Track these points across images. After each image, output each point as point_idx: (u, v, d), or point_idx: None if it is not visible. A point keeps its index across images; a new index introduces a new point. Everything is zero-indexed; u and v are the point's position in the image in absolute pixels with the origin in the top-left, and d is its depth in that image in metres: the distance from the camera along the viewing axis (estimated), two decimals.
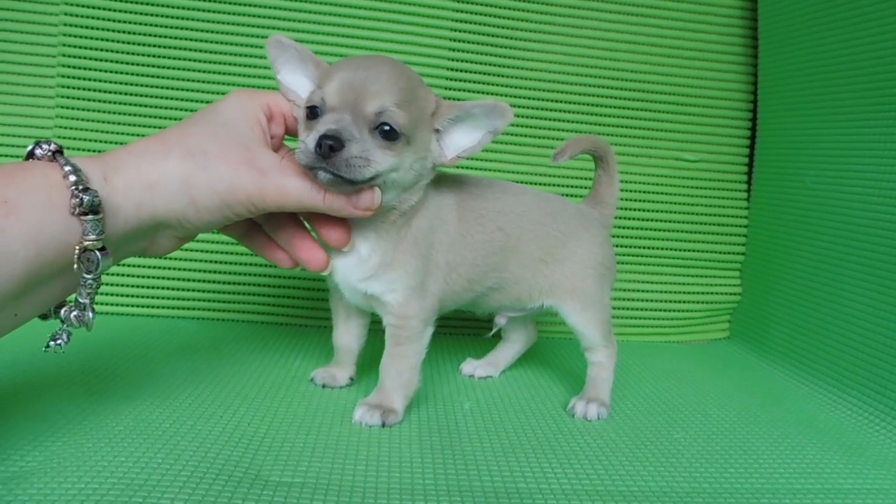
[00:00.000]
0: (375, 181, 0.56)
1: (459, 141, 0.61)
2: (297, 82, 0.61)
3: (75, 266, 0.48)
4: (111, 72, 0.97)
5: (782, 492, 0.57)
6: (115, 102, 0.97)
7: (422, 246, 0.63)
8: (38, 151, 0.49)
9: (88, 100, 0.97)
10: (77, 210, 0.46)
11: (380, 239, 0.61)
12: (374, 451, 0.57)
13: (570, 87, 1.07)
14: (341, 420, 0.64)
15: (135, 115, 0.98)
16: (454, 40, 1.04)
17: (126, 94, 0.97)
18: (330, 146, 0.52)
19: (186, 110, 0.98)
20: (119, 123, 0.98)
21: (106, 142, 0.98)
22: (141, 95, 0.98)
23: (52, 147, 0.49)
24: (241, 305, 1.00)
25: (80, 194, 0.46)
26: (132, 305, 0.97)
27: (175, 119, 0.98)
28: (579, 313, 0.72)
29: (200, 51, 0.98)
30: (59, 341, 0.52)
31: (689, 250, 1.12)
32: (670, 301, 1.11)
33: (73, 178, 0.46)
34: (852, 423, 0.76)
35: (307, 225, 0.63)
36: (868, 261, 0.83)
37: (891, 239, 0.79)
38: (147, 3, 0.97)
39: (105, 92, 0.97)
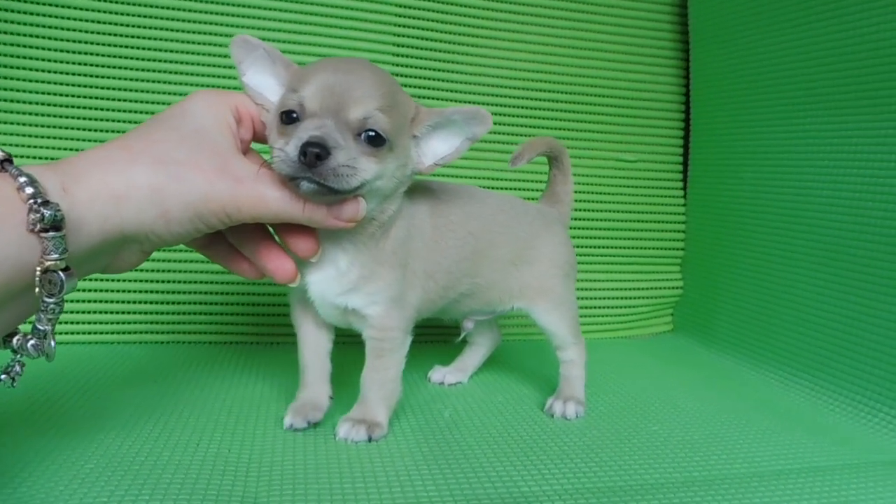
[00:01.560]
0: (361, 190, 0.53)
1: (437, 148, 0.59)
2: (265, 84, 0.57)
3: (37, 289, 0.43)
4: (41, 70, 0.90)
5: (767, 475, 0.59)
6: (53, 104, 0.91)
7: (400, 256, 0.60)
8: None
9: (22, 101, 0.90)
10: (38, 226, 0.41)
11: (359, 252, 0.58)
12: (367, 467, 0.55)
13: (511, 93, 1.08)
14: (325, 437, 0.61)
15: (75, 117, 0.92)
16: (398, 45, 1.03)
17: (64, 94, 0.91)
18: (316, 154, 0.48)
19: (134, 112, 0.93)
20: (57, 127, 0.91)
21: (48, 148, 0.91)
22: (82, 97, 0.92)
23: (0, 155, 0.44)
24: (186, 326, 0.95)
25: (40, 208, 0.41)
26: (69, 333, 0.90)
27: (122, 122, 0.93)
28: (550, 313, 0.72)
29: (146, 48, 0.94)
30: (10, 374, 0.47)
31: (630, 248, 1.15)
32: (615, 297, 1.14)
33: (29, 189, 0.41)
34: (808, 404, 0.80)
35: (272, 234, 0.60)
36: (814, 249, 0.87)
37: (835, 227, 0.84)
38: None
39: (43, 93, 0.90)
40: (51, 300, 0.43)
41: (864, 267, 0.80)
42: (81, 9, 0.91)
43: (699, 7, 1.11)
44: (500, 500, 0.51)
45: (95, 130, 0.92)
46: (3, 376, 0.46)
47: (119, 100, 0.93)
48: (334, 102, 0.52)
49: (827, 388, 0.82)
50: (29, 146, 0.90)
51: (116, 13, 0.92)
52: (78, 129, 0.92)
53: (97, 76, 0.92)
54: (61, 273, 0.42)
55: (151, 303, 0.94)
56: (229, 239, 0.57)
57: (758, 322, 0.97)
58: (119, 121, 0.93)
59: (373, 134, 0.52)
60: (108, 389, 0.71)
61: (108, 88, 0.93)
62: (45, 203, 0.41)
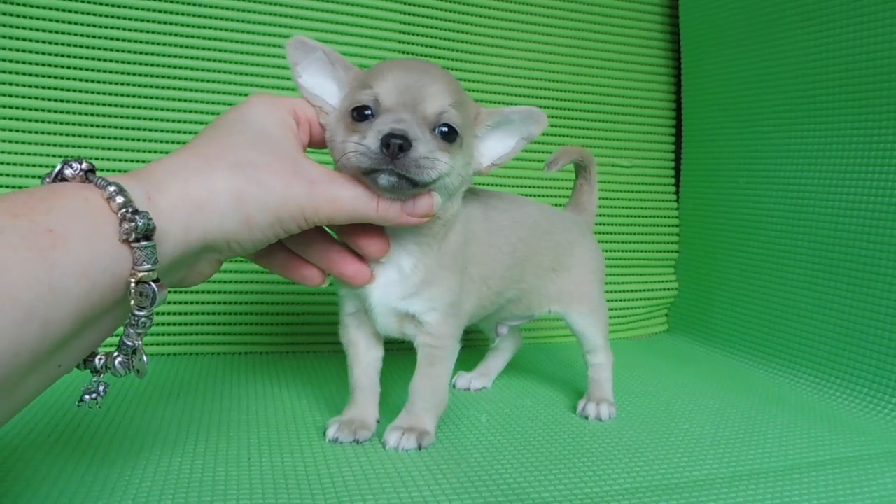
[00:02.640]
0: (435, 185, 0.53)
1: (494, 148, 0.59)
2: (323, 87, 0.56)
3: (132, 301, 0.41)
4: (95, 71, 0.89)
5: (805, 467, 0.61)
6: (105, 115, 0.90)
7: (460, 261, 0.61)
8: (67, 171, 0.42)
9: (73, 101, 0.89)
10: (132, 236, 0.40)
11: (423, 254, 0.58)
12: (423, 474, 0.55)
13: (510, 100, 1.10)
14: (372, 447, 0.61)
15: (129, 128, 0.91)
16: (402, 52, 1.03)
17: (118, 98, 0.91)
18: (399, 145, 0.48)
19: (182, 121, 0.93)
20: (110, 138, 0.91)
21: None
22: (136, 107, 0.92)
23: (84, 166, 0.42)
24: (214, 338, 0.95)
25: (134, 218, 0.40)
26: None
27: (172, 131, 0.93)
28: (586, 317, 0.74)
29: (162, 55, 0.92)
30: (93, 395, 0.45)
31: (626, 251, 1.18)
32: (613, 300, 1.16)
33: (120, 199, 0.40)
34: (817, 397, 0.84)
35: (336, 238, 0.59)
36: (808, 248, 0.91)
37: (829, 227, 0.88)
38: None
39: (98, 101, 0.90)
40: (142, 313, 0.42)
41: (857, 263, 0.84)
42: (137, 8, 0.90)
43: (690, 18, 1.14)
44: (567, 501, 0.51)
45: (145, 140, 0.92)
46: (86, 397, 0.44)
47: (167, 109, 0.93)
48: (410, 98, 0.52)
49: (832, 381, 0.85)
50: (81, 153, 0.89)
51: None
52: (132, 138, 0.92)
53: (148, 85, 0.92)
54: (153, 284, 0.41)
55: (177, 314, 0.93)
56: (292, 247, 0.57)
57: (754, 320, 1.01)
58: (170, 130, 0.93)
59: (446, 129, 0.53)
60: (143, 406, 0.69)
61: (160, 98, 0.93)
62: (136, 212, 0.40)
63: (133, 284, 0.41)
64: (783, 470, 0.60)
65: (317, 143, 0.57)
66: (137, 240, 0.40)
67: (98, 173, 0.43)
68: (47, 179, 0.43)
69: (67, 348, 0.40)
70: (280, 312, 0.97)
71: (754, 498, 0.53)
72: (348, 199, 0.50)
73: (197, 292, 0.93)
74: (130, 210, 0.40)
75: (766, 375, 0.93)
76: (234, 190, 0.46)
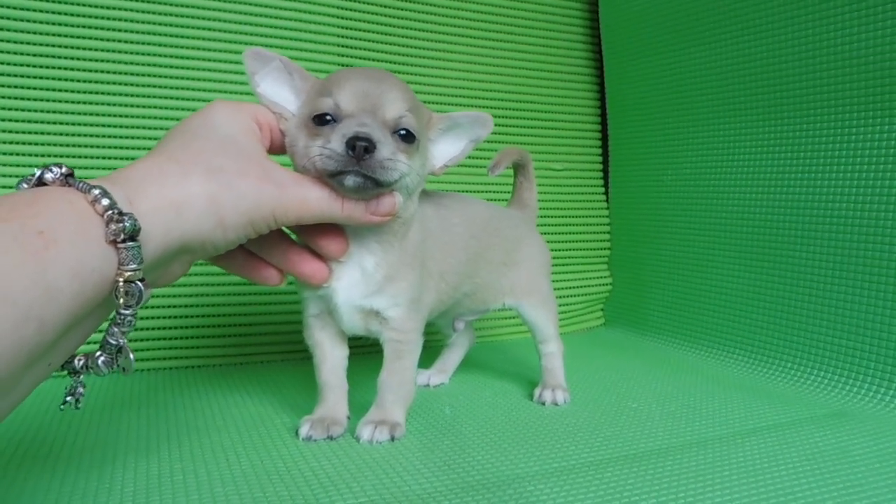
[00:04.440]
0: (397, 185, 0.55)
1: (446, 150, 0.63)
2: (281, 95, 0.58)
3: (121, 300, 0.42)
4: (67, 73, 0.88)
5: (746, 433, 0.66)
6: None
7: (419, 257, 0.63)
8: (48, 176, 0.43)
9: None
10: (120, 237, 0.41)
11: (385, 252, 0.61)
12: (396, 462, 0.57)
13: (447, 110, 1.13)
14: (344, 441, 0.62)
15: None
16: (341, 64, 1.05)
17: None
18: (364, 147, 0.51)
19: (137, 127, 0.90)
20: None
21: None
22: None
23: (64, 170, 0.43)
24: (167, 352, 0.93)
25: (122, 219, 0.41)
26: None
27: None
28: (537, 309, 0.78)
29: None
30: (75, 395, 0.45)
31: (561, 250, 1.24)
32: None
33: (105, 201, 0.41)
34: (747, 374, 0.91)
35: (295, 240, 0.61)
36: (733, 240, 0.99)
37: (751, 218, 0.96)
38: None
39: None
40: (127, 312, 0.43)
41: (774, 250, 0.92)
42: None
43: (610, 26, 1.22)
44: (530, 477, 0.55)
45: (110, 146, 0.92)
46: (68, 398, 0.45)
47: (131, 116, 0.94)
48: (370, 104, 0.55)
49: (759, 358, 0.93)
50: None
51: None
52: (98, 144, 0.92)
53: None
54: (139, 283, 0.42)
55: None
56: (253, 249, 0.58)
57: (685, 309, 1.08)
58: (133, 136, 0.94)
59: (405, 132, 0.56)
60: (106, 418, 0.69)
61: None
62: (122, 214, 0.41)
63: (121, 284, 0.42)
64: (727, 437, 0.65)
65: (276, 149, 0.59)
66: (124, 241, 0.42)
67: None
68: (24, 185, 0.43)
69: (56, 348, 0.41)
70: (230, 324, 0.97)
71: (705, 461, 0.58)
72: (315, 201, 0.53)
73: (143, 308, 0.92)
74: (117, 212, 0.41)
75: (699, 358, 1.00)
76: (209, 194, 0.47)
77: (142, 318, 0.91)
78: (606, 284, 1.27)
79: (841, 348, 0.83)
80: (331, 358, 0.66)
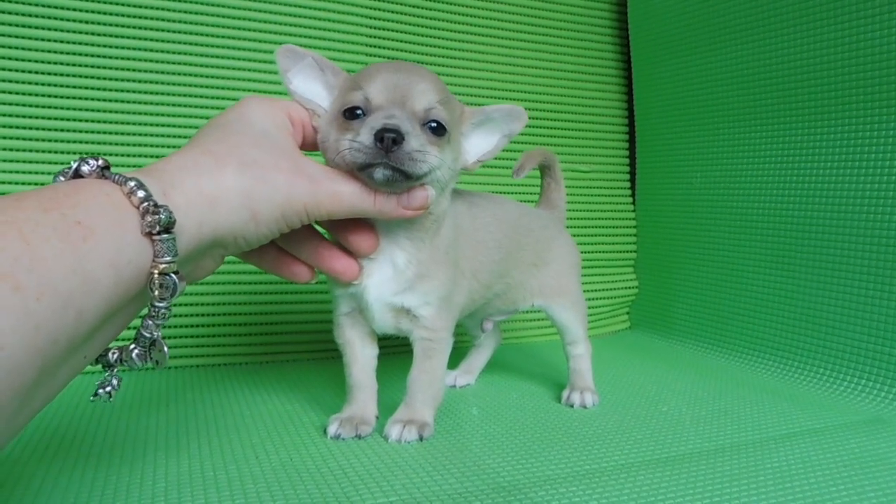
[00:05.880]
0: (428, 178, 0.55)
1: (479, 145, 0.62)
2: (313, 91, 0.58)
3: (156, 292, 0.42)
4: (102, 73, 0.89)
5: (779, 438, 0.65)
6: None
7: (451, 255, 0.63)
8: (84, 168, 0.43)
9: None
10: (156, 229, 0.41)
11: (416, 248, 0.60)
12: (427, 462, 0.57)
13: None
14: (374, 440, 0.62)
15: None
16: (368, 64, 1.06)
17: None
18: (392, 139, 0.51)
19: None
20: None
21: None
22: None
23: (101, 162, 0.43)
24: (193, 350, 0.93)
25: (158, 211, 0.41)
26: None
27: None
28: (567, 310, 0.77)
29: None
30: (107, 388, 0.46)
31: (587, 252, 1.22)
32: None
33: (141, 193, 0.41)
34: (776, 379, 0.89)
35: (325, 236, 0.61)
36: (765, 242, 0.97)
37: (787, 221, 0.94)
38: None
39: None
40: (162, 304, 0.44)
41: (806, 254, 0.90)
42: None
43: (639, 29, 1.21)
44: (562, 479, 0.54)
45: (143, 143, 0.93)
46: (100, 391, 0.45)
47: (165, 114, 0.95)
48: (399, 96, 0.54)
49: (789, 363, 0.91)
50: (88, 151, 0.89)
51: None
52: (132, 141, 0.93)
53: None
54: (174, 276, 0.43)
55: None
56: (283, 246, 0.58)
57: (713, 313, 1.07)
58: (167, 135, 0.94)
59: (435, 124, 0.55)
60: (134, 416, 0.69)
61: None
62: (157, 206, 0.41)
63: (155, 276, 0.42)
64: (760, 442, 0.64)
65: (309, 145, 0.59)
66: (159, 233, 0.42)
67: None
68: (61, 177, 0.44)
69: (92, 340, 0.41)
70: (258, 323, 0.97)
71: (738, 466, 0.57)
72: (347, 195, 0.53)
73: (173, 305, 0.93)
74: (152, 204, 0.42)
75: (728, 363, 0.99)
76: (243, 187, 0.47)
77: (171, 316, 0.92)
78: (633, 287, 1.26)
79: (877, 353, 0.81)
80: (361, 357, 0.66)
